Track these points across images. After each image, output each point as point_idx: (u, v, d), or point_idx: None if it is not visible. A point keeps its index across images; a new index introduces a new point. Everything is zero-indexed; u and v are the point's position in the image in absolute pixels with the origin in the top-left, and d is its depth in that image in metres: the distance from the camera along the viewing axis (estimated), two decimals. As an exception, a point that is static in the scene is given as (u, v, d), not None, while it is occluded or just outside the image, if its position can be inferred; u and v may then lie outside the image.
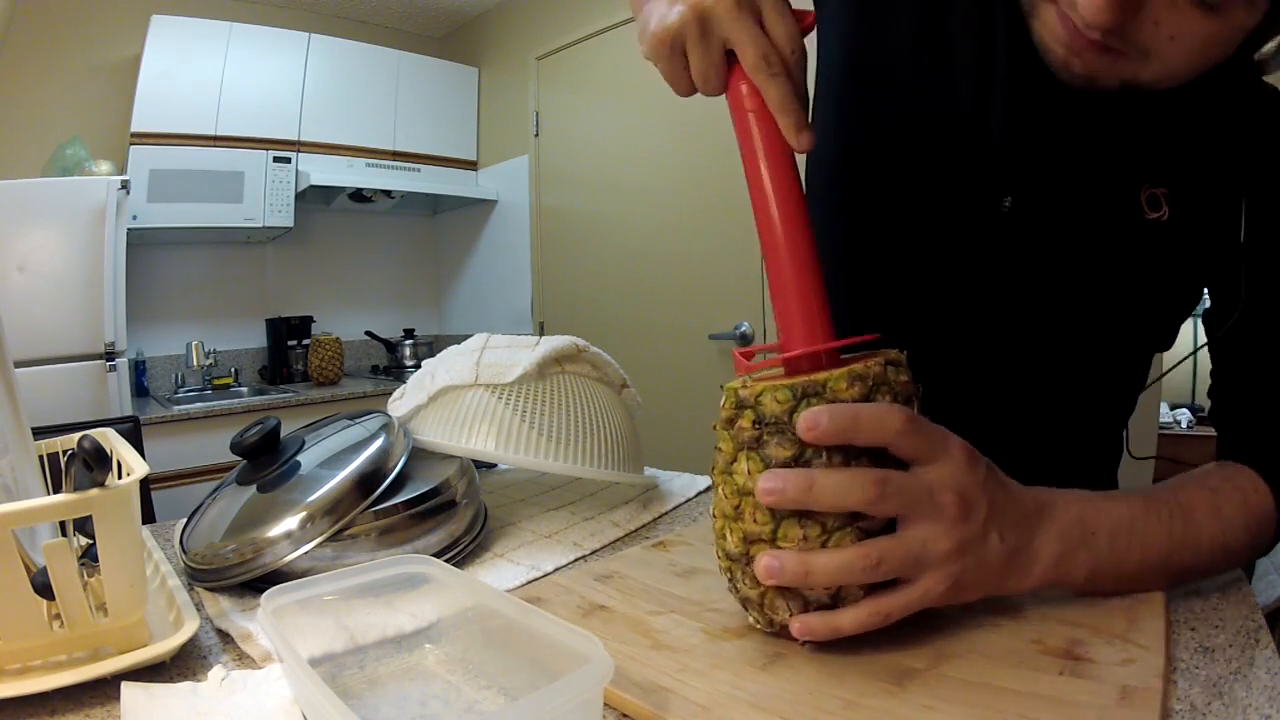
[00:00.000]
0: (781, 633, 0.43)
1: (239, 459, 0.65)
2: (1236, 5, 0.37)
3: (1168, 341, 0.59)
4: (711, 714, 0.36)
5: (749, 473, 0.40)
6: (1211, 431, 0.57)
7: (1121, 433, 0.68)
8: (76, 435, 0.45)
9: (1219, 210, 0.50)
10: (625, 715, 0.39)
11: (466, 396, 0.70)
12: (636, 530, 0.71)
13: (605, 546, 0.66)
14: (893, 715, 0.35)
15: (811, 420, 0.37)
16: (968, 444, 0.41)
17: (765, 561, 0.39)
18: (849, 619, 0.39)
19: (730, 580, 0.44)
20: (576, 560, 0.63)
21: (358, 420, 0.71)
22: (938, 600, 0.39)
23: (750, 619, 0.45)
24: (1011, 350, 0.58)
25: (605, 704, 0.40)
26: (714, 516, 0.45)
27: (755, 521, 0.40)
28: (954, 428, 0.41)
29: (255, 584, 0.55)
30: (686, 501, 0.79)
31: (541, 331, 2.84)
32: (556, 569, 0.61)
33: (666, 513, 0.76)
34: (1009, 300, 0.55)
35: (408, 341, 3.14)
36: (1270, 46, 0.41)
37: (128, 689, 0.40)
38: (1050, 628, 0.42)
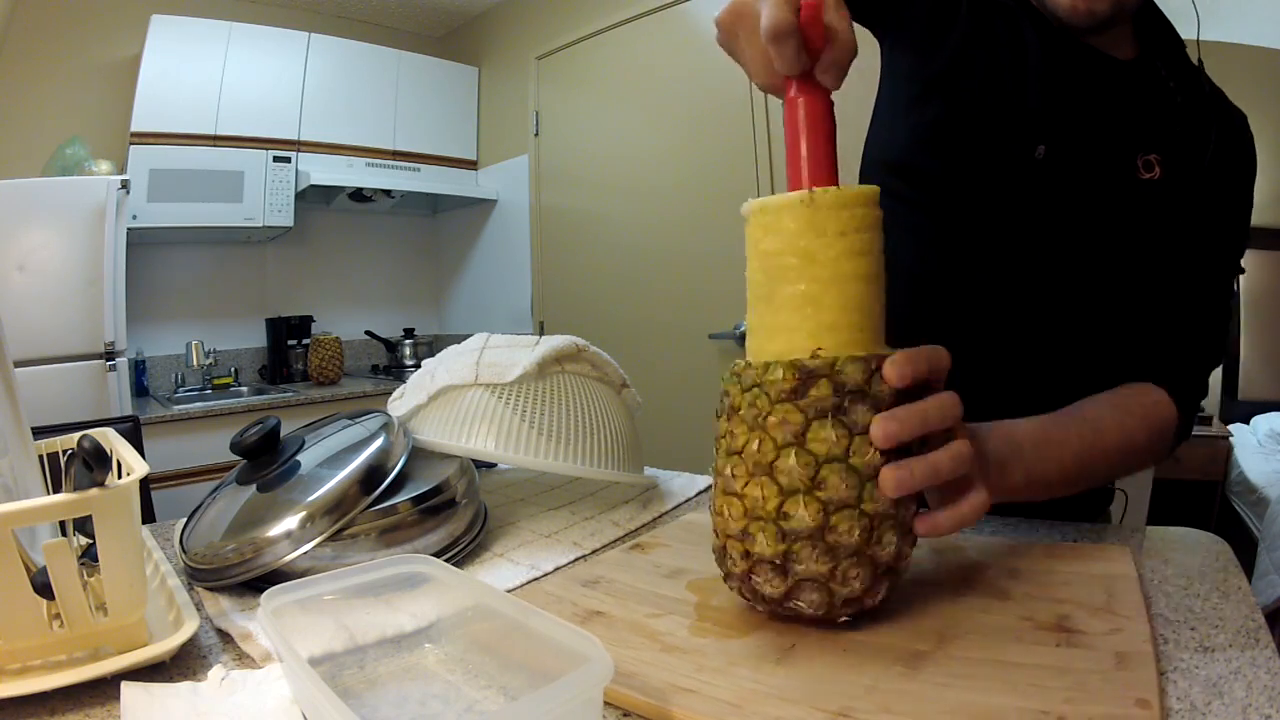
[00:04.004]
0: (737, 587, 0.46)
1: (239, 459, 0.65)
2: None
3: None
4: (743, 711, 0.37)
5: (734, 434, 0.44)
6: (1209, 431, 0.61)
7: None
8: (76, 435, 0.45)
9: (1196, 175, 0.62)
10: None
11: (466, 396, 0.70)
12: (637, 530, 0.71)
13: (605, 546, 0.66)
14: (914, 695, 0.37)
15: (883, 431, 0.40)
16: None
17: (896, 475, 0.41)
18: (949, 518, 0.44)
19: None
20: (576, 560, 0.63)
21: (358, 420, 0.71)
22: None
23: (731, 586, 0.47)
24: (1032, 302, 0.67)
25: (630, 711, 0.39)
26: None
27: (734, 477, 0.44)
28: (982, 382, 0.51)
29: (255, 584, 0.55)
30: (686, 501, 0.79)
31: (541, 331, 2.84)
32: (556, 568, 0.61)
33: (666, 512, 0.76)
34: (1034, 245, 0.66)
35: (408, 341, 3.14)
36: None
37: (128, 689, 0.40)
38: (1038, 605, 0.45)
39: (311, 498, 0.57)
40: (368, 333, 3.19)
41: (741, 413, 0.44)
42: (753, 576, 0.43)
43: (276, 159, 2.67)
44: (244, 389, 2.74)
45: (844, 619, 0.43)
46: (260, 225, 2.64)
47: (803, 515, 0.41)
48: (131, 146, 2.40)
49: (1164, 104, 0.62)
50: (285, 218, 2.69)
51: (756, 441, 0.42)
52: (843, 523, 0.41)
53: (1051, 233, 0.65)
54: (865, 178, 0.79)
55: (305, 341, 2.92)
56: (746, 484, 0.43)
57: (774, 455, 0.41)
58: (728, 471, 0.44)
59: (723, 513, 0.44)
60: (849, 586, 0.42)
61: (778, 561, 0.42)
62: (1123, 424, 0.58)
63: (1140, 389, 0.61)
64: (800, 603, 0.43)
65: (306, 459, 0.64)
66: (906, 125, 0.72)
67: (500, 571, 0.61)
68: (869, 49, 0.82)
